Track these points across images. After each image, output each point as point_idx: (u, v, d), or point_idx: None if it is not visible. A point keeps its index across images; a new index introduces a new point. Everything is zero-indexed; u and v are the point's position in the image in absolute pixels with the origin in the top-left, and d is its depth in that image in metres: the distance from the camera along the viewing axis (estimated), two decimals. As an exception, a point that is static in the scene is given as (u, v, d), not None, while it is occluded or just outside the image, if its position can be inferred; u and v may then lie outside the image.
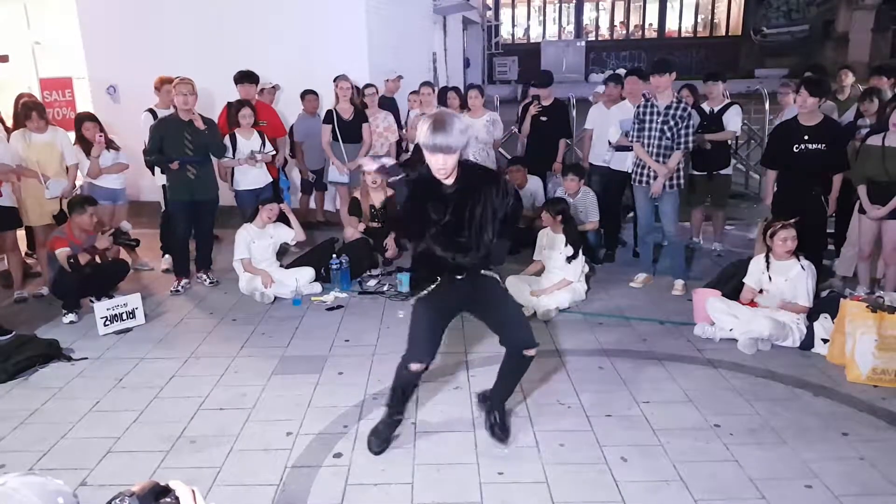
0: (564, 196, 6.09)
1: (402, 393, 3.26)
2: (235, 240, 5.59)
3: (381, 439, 3.28)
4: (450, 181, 2.94)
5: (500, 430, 3.31)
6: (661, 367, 4.14)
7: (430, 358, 3.11)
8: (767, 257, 4.51)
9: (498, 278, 3.23)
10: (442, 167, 2.84)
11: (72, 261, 4.98)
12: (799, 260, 4.43)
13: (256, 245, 5.60)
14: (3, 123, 6.08)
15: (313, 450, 3.30)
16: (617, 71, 8.07)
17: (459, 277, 3.08)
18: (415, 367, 3.08)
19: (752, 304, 4.59)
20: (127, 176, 6.26)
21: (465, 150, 2.90)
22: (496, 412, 3.33)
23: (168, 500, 1.32)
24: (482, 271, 3.15)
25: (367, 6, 7.88)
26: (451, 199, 2.96)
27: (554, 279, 5.24)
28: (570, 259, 5.21)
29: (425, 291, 3.12)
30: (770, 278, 4.50)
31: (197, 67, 6.51)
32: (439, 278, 3.09)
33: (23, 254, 5.97)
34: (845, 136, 5.19)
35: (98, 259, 5.27)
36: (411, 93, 7.72)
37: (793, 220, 4.41)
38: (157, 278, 6.13)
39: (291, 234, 5.86)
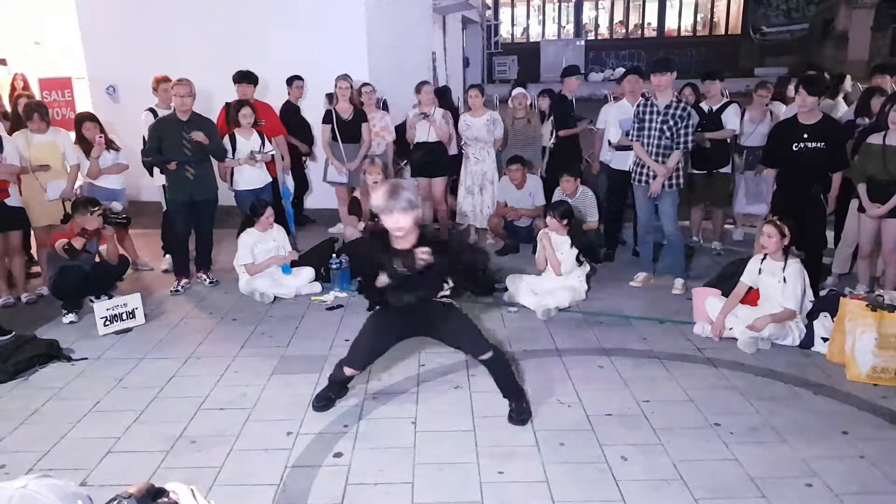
0: (564, 197, 6.09)
1: (337, 385, 3.71)
2: (239, 245, 5.58)
3: (319, 400, 3.70)
4: (406, 244, 3.12)
5: (515, 415, 3.52)
6: (661, 366, 4.14)
7: (362, 369, 3.65)
8: (765, 256, 4.50)
9: (452, 303, 3.44)
10: (396, 227, 3.07)
11: (66, 247, 4.94)
12: (792, 262, 4.40)
13: (260, 249, 5.60)
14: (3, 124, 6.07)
15: (313, 449, 3.30)
16: (635, 65, 8.10)
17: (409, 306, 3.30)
18: (348, 371, 3.59)
19: (753, 303, 4.58)
20: (127, 176, 6.25)
21: (416, 213, 3.12)
22: (510, 402, 3.58)
23: (165, 500, 1.33)
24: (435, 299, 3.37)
25: (367, 6, 7.88)
26: (406, 261, 3.14)
27: (555, 278, 5.24)
28: (579, 259, 5.21)
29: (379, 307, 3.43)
30: (762, 276, 4.49)
31: (197, 67, 6.50)
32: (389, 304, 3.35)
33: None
34: (844, 135, 5.19)
35: (94, 244, 5.22)
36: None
37: (772, 217, 4.40)
38: (157, 278, 6.12)
39: (290, 249, 5.82)
